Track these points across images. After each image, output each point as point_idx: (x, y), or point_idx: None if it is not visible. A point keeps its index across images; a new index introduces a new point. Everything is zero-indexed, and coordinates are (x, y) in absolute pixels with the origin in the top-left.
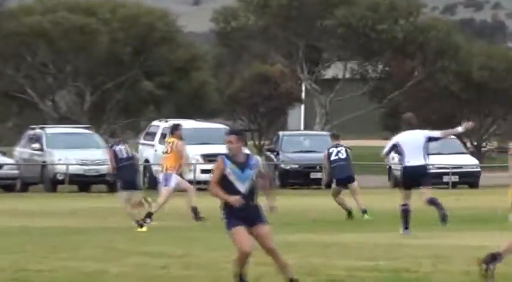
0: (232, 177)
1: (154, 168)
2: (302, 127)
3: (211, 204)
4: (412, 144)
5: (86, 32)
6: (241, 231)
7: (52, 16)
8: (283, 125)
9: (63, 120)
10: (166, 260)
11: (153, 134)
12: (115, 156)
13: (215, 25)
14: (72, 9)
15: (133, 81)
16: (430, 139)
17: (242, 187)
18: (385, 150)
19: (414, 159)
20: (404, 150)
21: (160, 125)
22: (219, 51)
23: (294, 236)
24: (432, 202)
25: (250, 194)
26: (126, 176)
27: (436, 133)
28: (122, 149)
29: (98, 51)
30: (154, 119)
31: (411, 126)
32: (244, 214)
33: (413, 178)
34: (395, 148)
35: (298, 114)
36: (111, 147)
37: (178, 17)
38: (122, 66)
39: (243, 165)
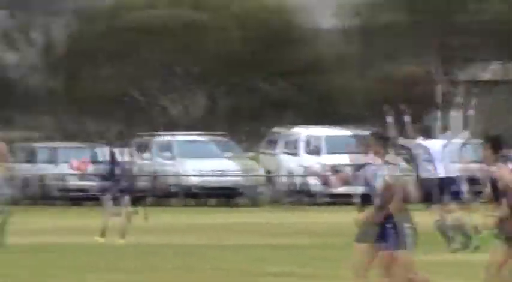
0: None
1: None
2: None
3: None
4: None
5: (197, 29)
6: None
7: (157, 11)
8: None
9: (174, 126)
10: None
11: (274, 142)
12: None
13: (342, 21)
14: (179, 4)
15: (248, 85)
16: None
17: (375, 199)
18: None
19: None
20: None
21: (283, 133)
22: (346, 49)
23: (436, 255)
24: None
25: (379, 208)
26: None
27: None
28: None
29: (209, 50)
30: (288, 126)
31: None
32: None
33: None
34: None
35: (435, 120)
36: None
37: (302, 10)
38: (237, 67)
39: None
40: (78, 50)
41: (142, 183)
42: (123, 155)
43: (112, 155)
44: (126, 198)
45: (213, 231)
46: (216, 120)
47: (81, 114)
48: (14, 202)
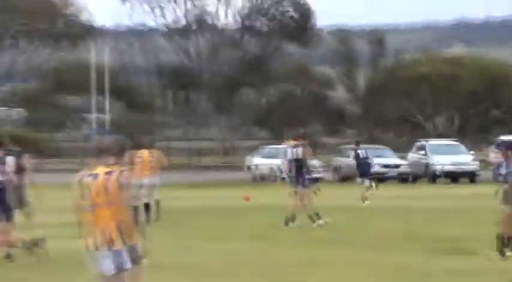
0: None
1: None
2: None
3: None
4: None
5: (450, 77)
6: None
7: (424, 66)
8: None
9: (439, 136)
10: None
11: None
12: None
13: None
14: (439, 62)
15: (484, 114)
16: None
17: None
18: None
19: None
20: None
21: None
22: None
23: None
24: None
25: None
26: None
27: None
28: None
29: (462, 90)
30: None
31: None
32: None
33: None
34: None
35: None
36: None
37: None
38: (474, 99)
39: None
40: (373, 89)
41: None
42: (366, 154)
43: (357, 153)
44: (366, 180)
45: (460, 199)
46: (463, 132)
47: (375, 129)
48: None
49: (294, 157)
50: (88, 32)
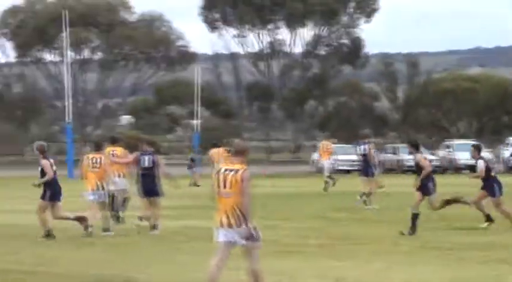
0: None
1: None
2: None
3: None
4: None
5: (472, 91)
6: None
7: (449, 82)
8: None
9: (461, 137)
10: None
11: None
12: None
13: None
14: (459, 79)
15: (496, 120)
16: None
17: None
18: None
19: None
20: None
21: None
22: None
23: None
24: None
25: None
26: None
27: None
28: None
29: (478, 101)
30: None
31: None
32: None
33: None
34: None
35: None
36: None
37: None
38: (487, 108)
39: None
40: (410, 101)
41: None
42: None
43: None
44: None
45: None
46: (480, 134)
47: (411, 131)
48: None
49: (363, 152)
50: (190, 57)
